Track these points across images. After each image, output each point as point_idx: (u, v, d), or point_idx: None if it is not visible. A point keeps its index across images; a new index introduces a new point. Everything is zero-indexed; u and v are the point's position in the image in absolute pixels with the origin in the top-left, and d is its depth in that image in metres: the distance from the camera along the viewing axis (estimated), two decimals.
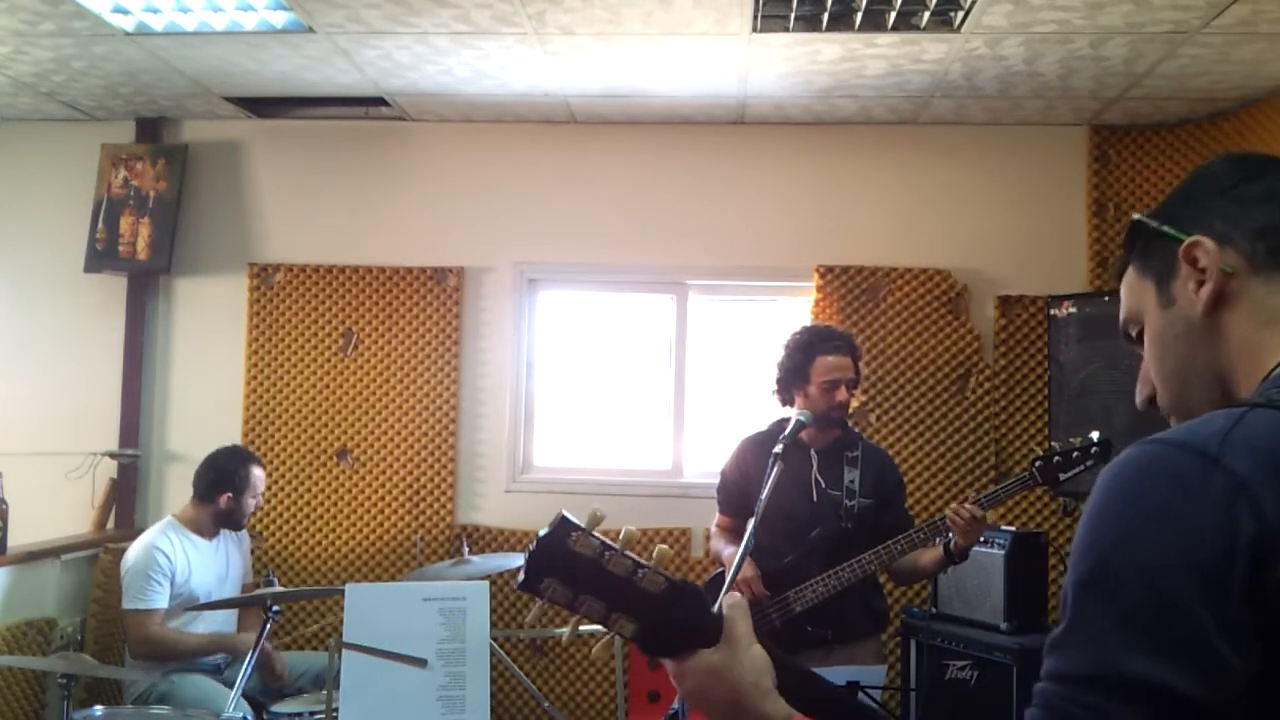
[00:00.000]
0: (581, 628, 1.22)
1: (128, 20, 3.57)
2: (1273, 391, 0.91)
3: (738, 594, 1.12)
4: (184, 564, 3.75)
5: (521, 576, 1.02)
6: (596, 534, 1.04)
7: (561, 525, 1.03)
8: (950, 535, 2.99)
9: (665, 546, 1.10)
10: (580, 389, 4.72)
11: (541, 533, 1.03)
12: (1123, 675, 0.80)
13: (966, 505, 2.89)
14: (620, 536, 1.07)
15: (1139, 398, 1.09)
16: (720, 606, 1.10)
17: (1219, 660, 0.79)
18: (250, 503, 3.92)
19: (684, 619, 1.07)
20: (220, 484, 3.86)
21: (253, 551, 4.29)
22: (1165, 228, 1.03)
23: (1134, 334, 1.10)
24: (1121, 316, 1.11)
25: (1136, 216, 1.08)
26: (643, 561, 1.06)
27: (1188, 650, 0.79)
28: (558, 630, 4.35)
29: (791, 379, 3.16)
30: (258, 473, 3.94)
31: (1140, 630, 0.80)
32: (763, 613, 3.07)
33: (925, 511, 4.19)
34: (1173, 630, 0.80)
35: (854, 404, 3.31)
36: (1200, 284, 1.00)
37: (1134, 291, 1.08)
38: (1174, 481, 0.84)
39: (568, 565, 1.03)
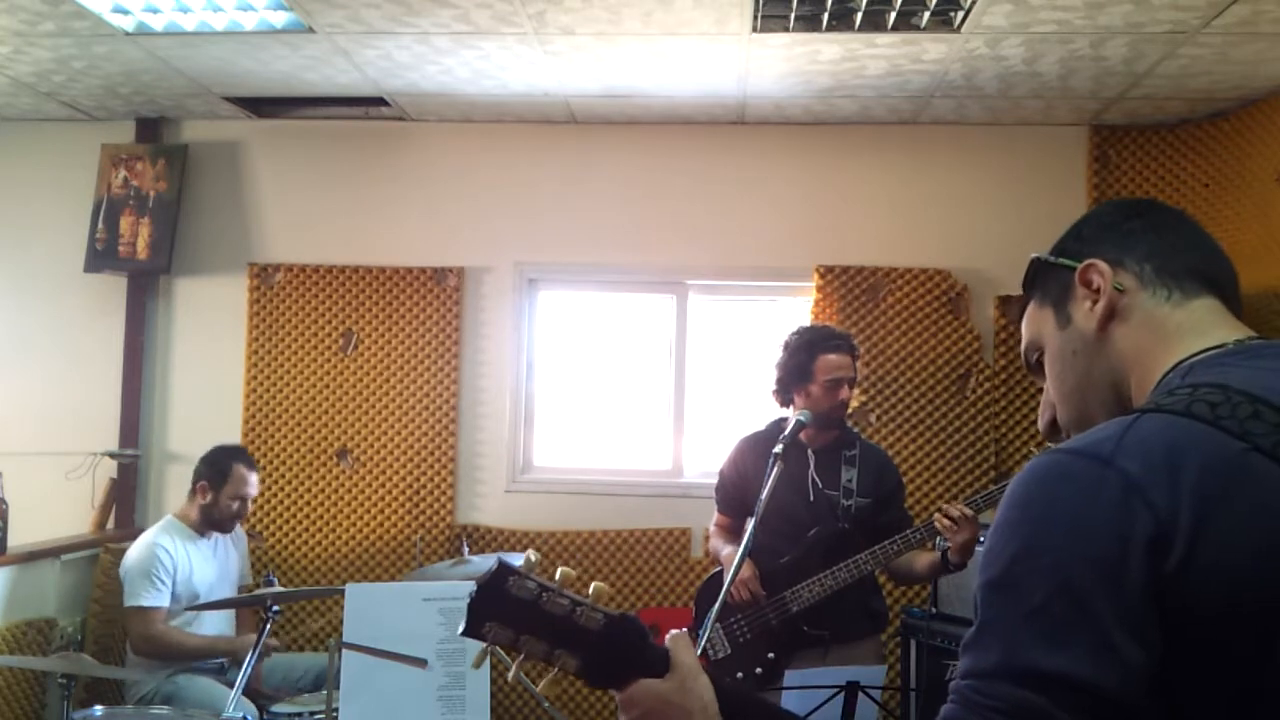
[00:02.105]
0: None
1: (128, 20, 3.57)
2: (1162, 398, 0.98)
3: (679, 630, 1.18)
4: (185, 562, 3.75)
5: (463, 624, 1.07)
6: (534, 577, 1.09)
7: (499, 571, 1.08)
8: (939, 542, 2.99)
9: (601, 584, 1.14)
10: (580, 389, 4.72)
11: (479, 580, 1.08)
12: (1029, 667, 0.85)
13: (955, 505, 2.88)
14: (557, 577, 1.12)
15: (1041, 423, 1.18)
16: (666, 639, 1.16)
17: (1120, 650, 0.84)
18: (230, 504, 3.83)
19: (626, 651, 1.12)
20: (200, 473, 3.85)
21: (252, 552, 4.29)
22: (1061, 259, 1.15)
23: (1034, 360, 1.18)
24: (1023, 346, 1.21)
25: (1034, 255, 1.19)
26: (580, 599, 1.10)
27: (1090, 641, 0.84)
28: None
29: (793, 378, 3.15)
30: (243, 472, 3.86)
31: (1045, 624, 0.86)
32: (760, 613, 3.07)
33: (925, 512, 4.18)
34: (1075, 623, 0.85)
35: (853, 404, 3.31)
36: (1094, 302, 1.10)
37: (1033, 321, 1.18)
38: (1072, 485, 0.90)
39: (507, 608, 1.08)
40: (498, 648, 1.10)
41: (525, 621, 1.08)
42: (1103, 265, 1.11)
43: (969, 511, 2.86)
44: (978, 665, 0.89)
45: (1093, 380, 1.11)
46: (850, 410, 3.34)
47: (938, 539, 3.00)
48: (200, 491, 3.83)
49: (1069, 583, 0.86)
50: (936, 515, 2.89)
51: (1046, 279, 1.17)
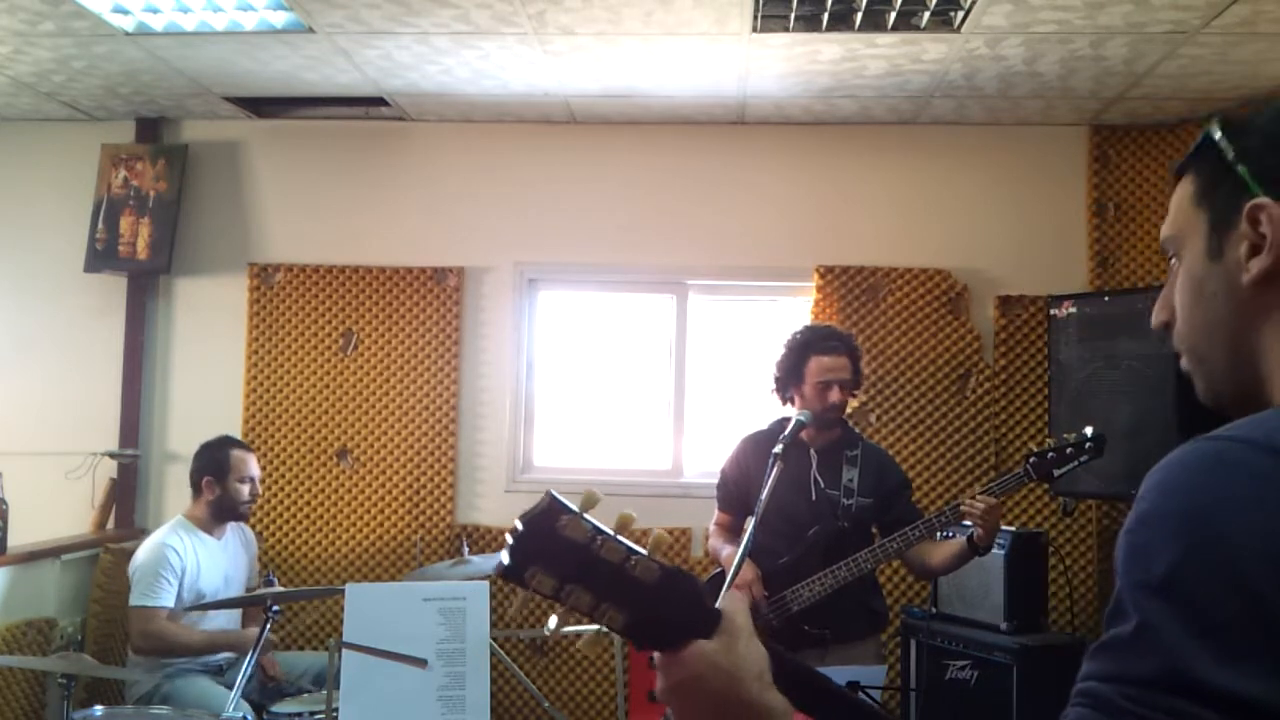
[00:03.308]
0: (576, 628, 1.13)
1: (128, 20, 3.57)
2: None
3: (735, 590, 1.08)
4: (194, 563, 3.75)
5: (504, 562, 0.93)
6: (588, 517, 0.96)
7: (550, 508, 0.94)
8: (959, 530, 3.00)
9: (663, 531, 1.00)
10: (580, 389, 4.72)
11: (525, 515, 0.94)
12: (1195, 679, 0.73)
13: (980, 496, 2.89)
14: (616, 521, 0.99)
15: (1155, 320, 1.00)
16: (721, 598, 1.03)
17: None
18: (240, 487, 3.85)
19: (678, 609, 0.98)
20: (201, 470, 3.86)
21: (259, 558, 4.30)
22: (1240, 167, 0.89)
23: (1169, 254, 0.98)
24: (1164, 230, 0.99)
25: (1216, 133, 0.93)
26: (636, 548, 0.97)
27: (1268, 655, 0.72)
28: (553, 627, 4.35)
29: (787, 379, 3.18)
30: (239, 455, 3.88)
31: (1215, 633, 0.74)
32: (760, 613, 3.07)
33: (925, 511, 4.18)
34: (1251, 634, 0.73)
35: (854, 404, 3.31)
36: (1255, 250, 0.88)
37: (1183, 213, 0.96)
38: (1241, 474, 0.77)
39: (555, 552, 0.94)
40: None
41: (574, 568, 0.94)
42: (1277, 209, 0.86)
43: (993, 500, 2.88)
44: (1131, 671, 0.77)
45: (1228, 337, 0.92)
46: (850, 410, 3.34)
47: (941, 531, 3.03)
48: (207, 488, 3.83)
49: (1245, 586, 0.74)
50: (965, 504, 2.90)
51: (1216, 175, 0.92)
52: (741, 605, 1.03)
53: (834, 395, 3.10)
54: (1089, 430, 2.97)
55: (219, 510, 3.86)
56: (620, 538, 0.97)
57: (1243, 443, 0.79)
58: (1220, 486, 0.77)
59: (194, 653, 3.70)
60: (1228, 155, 0.91)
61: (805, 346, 3.15)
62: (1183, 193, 0.96)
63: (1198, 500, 0.78)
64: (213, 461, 3.85)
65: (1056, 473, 2.95)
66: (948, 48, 3.65)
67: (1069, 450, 2.94)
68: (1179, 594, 0.76)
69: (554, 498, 0.95)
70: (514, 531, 0.93)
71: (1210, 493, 0.78)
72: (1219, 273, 0.91)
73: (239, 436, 4.47)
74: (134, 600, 3.66)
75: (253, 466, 3.92)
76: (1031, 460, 2.96)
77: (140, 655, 3.70)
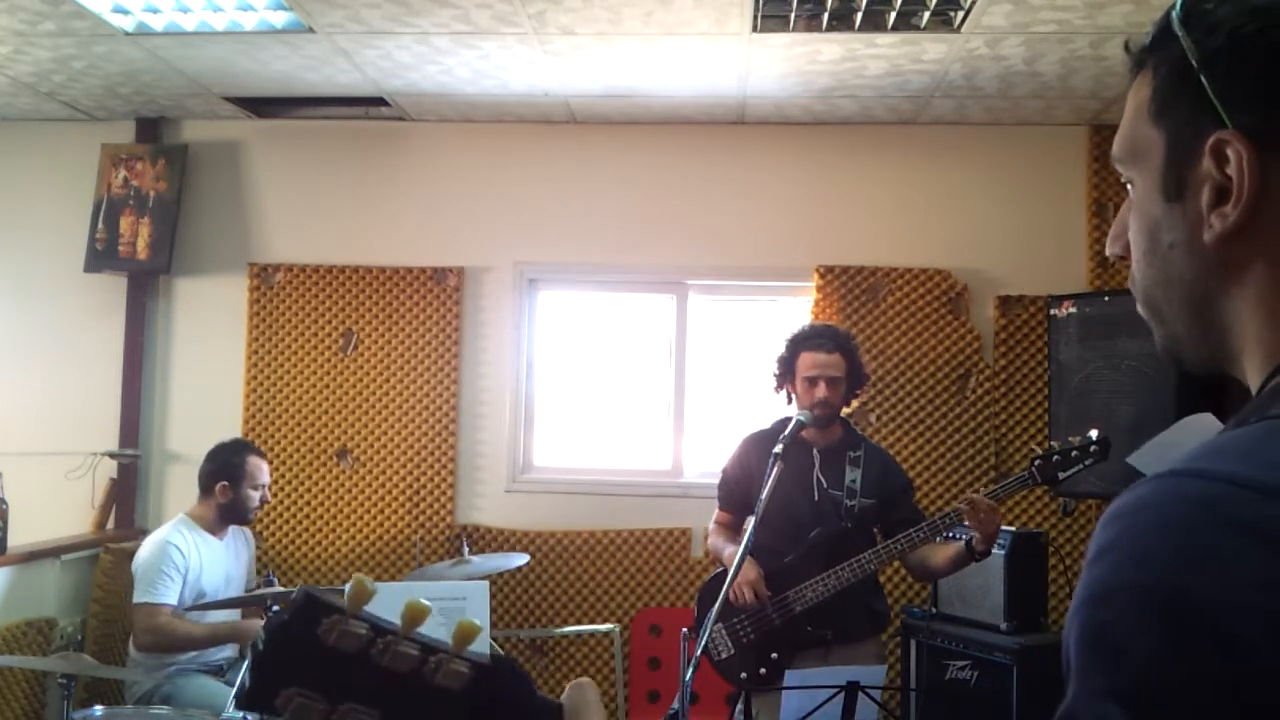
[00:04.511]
0: (576, 628, 0.92)
1: (128, 20, 3.57)
2: None
3: (586, 680, 0.87)
4: (196, 561, 3.75)
5: (250, 685, 0.71)
6: (364, 614, 0.73)
7: (304, 608, 0.72)
8: (960, 533, 3.00)
9: (470, 620, 0.76)
10: (580, 389, 4.72)
11: (274, 621, 0.72)
12: None
13: (980, 499, 2.88)
14: (404, 614, 0.74)
15: (1108, 250, 0.82)
16: (568, 690, 0.84)
17: None
18: (252, 494, 3.88)
19: (502, 713, 0.77)
20: (216, 474, 3.86)
21: (258, 559, 4.30)
22: (1204, 77, 0.67)
23: (1122, 177, 0.78)
24: (1115, 145, 0.78)
25: (1179, 28, 0.69)
26: (436, 644, 0.75)
27: None
28: (558, 630, 4.35)
29: (783, 375, 3.23)
30: (256, 462, 3.90)
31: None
32: (763, 613, 3.08)
33: (926, 512, 4.19)
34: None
35: (854, 403, 3.32)
36: (1221, 195, 0.67)
37: (1136, 126, 0.74)
38: (1241, 537, 0.55)
39: (319, 666, 0.71)
40: (496, 646, 0.77)
41: (348, 683, 0.71)
42: (1247, 151, 0.65)
43: (993, 503, 2.88)
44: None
45: (1189, 300, 0.73)
46: (849, 410, 3.35)
47: (942, 533, 3.03)
48: (220, 492, 3.84)
49: (1247, 703, 0.52)
50: (965, 507, 2.89)
51: (1173, 78, 0.70)
52: (590, 697, 0.83)
53: (820, 391, 3.11)
54: (1094, 433, 2.96)
55: (227, 513, 3.87)
56: (412, 635, 0.74)
57: (1242, 486, 0.57)
58: (1210, 554, 0.55)
59: (197, 646, 3.70)
60: (1191, 57, 0.68)
61: (796, 343, 3.21)
62: (1138, 97, 0.74)
63: (1178, 575, 0.55)
64: (229, 466, 3.86)
65: (1061, 476, 2.94)
66: (948, 48, 3.65)
67: (1074, 454, 2.93)
68: (1156, 711, 0.54)
69: (311, 595, 0.73)
70: (256, 647, 0.72)
71: (1196, 564, 0.55)
72: (1178, 219, 0.71)
73: (239, 436, 4.48)
74: (137, 597, 3.66)
75: (266, 474, 3.95)
76: (1036, 463, 2.96)
77: (143, 652, 3.70)
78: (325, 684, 0.71)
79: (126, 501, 4.59)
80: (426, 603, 0.75)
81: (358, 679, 0.72)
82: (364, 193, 4.70)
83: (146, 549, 3.74)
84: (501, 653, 0.69)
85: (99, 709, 3.14)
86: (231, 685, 3.25)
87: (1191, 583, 0.54)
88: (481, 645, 0.83)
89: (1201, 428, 2.79)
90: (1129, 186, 0.77)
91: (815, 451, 3.19)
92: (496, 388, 4.61)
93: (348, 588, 0.72)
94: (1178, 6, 0.69)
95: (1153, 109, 0.72)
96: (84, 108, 4.58)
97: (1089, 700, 0.56)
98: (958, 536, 3.06)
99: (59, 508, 4.47)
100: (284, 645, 0.71)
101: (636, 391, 4.70)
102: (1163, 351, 0.78)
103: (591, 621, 4.38)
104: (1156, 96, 0.72)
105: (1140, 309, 0.78)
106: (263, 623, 3.15)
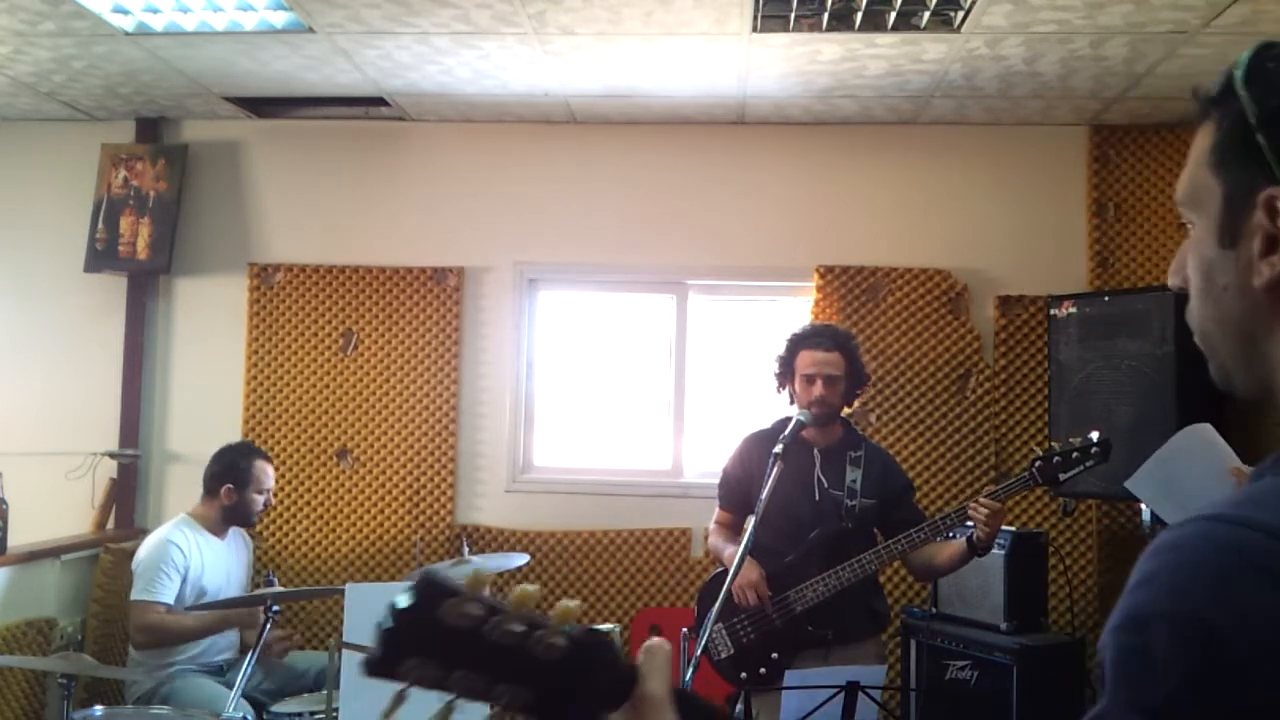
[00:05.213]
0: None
1: (128, 20, 3.57)
2: None
3: (658, 641, 0.90)
4: (197, 560, 3.76)
5: (376, 655, 0.80)
6: (481, 596, 0.82)
7: (428, 592, 0.81)
8: (960, 531, 3.01)
9: (570, 603, 0.85)
10: (580, 389, 4.72)
11: (400, 602, 0.80)
12: None
13: (984, 501, 2.90)
14: (513, 595, 0.85)
15: (1170, 281, 0.88)
16: (639, 656, 0.88)
17: None
18: (256, 498, 3.90)
19: (589, 680, 0.85)
20: (222, 476, 3.87)
21: (257, 558, 4.30)
22: (1260, 136, 0.73)
23: (1184, 218, 0.85)
24: (1179, 187, 0.85)
25: (1239, 78, 0.75)
26: (539, 619, 0.84)
27: None
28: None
29: (783, 373, 3.24)
30: (262, 466, 3.92)
31: None
32: (763, 613, 3.08)
33: (926, 512, 4.19)
34: None
35: (854, 404, 3.33)
36: (1270, 246, 0.74)
37: (1197, 174, 0.81)
38: (1273, 586, 0.61)
39: (437, 640, 0.80)
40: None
41: (460, 655, 0.81)
42: None
43: (998, 505, 2.90)
44: None
45: (1239, 339, 0.79)
46: (850, 410, 3.35)
47: (943, 534, 3.04)
48: (225, 494, 3.85)
49: None
50: (971, 508, 2.91)
51: (1233, 132, 0.76)
52: (658, 665, 0.87)
53: (817, 389, 3.12)
54: (1094, 435, 2.96)
55: (230, 516, 3.88)
56: (520, 613, 0.83)
57: (1259, 530, 0.63)
58: (1240, 597, 0.61)
59: (191, 636, 3.70)
60: (1249, 115, 0.74)
61: (797, 341, 3.22)
62: (1200, 146, 0.81)
63: (1209, 611, 0.61)
64: (235, 470, 3.87)
65: (1062, 477, 2.94)
66: (948, 48, 3.65)
67: (1074, 455, 2.93)
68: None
69: (433, 578, 0.81)
70: (384, 625, 0.79)
71: (1226, 603, 0.61)
72: (1231, 264, 0.77)
73: (239, 437, 4.48)
74: (134, 594, 3.67)
75: (271, 479, 3.98)
76: (1037, 464, 2.96)
77: (140, 650, 3.70)
78: (442, 655, 0.81)
79: (126, 501, 4.59)
80: (486, 570, 0.85)
81: (470, 651, 0.81)
82: (364, 193, 4.70)
83: (147, 547, 3.75)
84: (596, 628, 0.76)
85: (99, 709, 3.14)
86: (231, 685, 3.25)
87: (1221, 619, 0.61)
88: None
89: (1202, 442, 2.77)
90: (1189, 226, 0.84)
91: (816, 451, 3.19)
92: (496, 388, 4.61)
93: (465, 575, 0.83)
94: (1242, 64, 0.75)
95: (1213, 160, 0.79)
96: (84, 108, 4.58)
97: (1118, 711, 0.64)
98: (957, 535, 3.08)
99: (59, 508, 4.47)
100: (410, 622, 0.81)
101: (636, 391, 4.70)
102: (1217, 380, 0.85)
103: (591, 621, 4.38)
104: (1217, 149, 0.79)
105: (1197, 340, 0.85)
106: (256, 635, 3.16)
